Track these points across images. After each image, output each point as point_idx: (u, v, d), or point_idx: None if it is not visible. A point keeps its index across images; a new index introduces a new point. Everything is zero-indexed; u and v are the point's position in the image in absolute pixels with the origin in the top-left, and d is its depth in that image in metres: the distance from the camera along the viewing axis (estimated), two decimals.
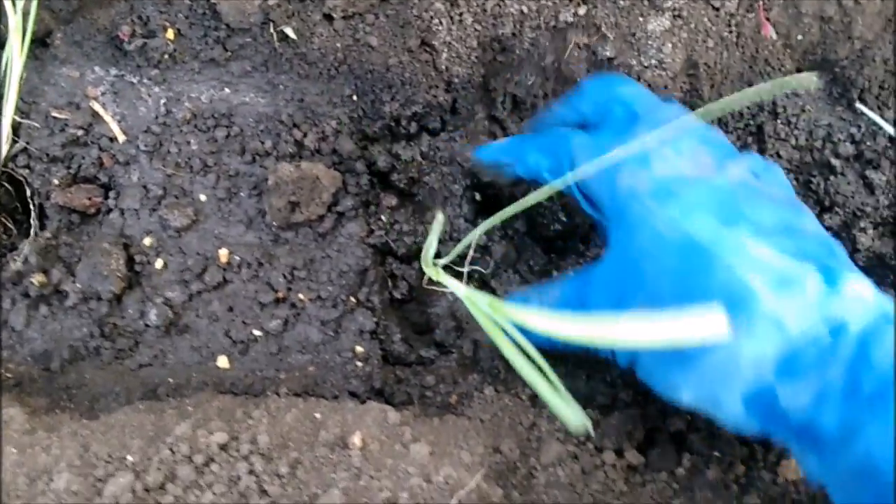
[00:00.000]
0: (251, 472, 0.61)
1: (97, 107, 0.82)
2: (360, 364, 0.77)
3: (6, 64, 0.78)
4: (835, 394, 0.46)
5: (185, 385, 0.74)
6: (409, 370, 0.79)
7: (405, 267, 0.82)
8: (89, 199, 0.85)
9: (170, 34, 0.79)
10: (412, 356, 0.79)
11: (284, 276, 0.79)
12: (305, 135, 0.82)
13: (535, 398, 0.73)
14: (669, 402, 0.55)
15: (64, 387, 0.73)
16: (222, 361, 0.76)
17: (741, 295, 0.47)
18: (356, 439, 0.65)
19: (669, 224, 0.51)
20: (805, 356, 0.47)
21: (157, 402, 0.70)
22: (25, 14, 0.77)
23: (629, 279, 0.53)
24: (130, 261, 0.79)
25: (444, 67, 0.82)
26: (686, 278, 0.50)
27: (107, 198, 0.82)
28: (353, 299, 0.79)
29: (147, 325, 0.76)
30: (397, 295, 0.81)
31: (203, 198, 0.81)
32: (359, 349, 0.77)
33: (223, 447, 0.63)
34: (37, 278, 0.77)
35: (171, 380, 0.74)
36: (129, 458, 0.62)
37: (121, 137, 0.82)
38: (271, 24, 0.78)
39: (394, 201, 0.83)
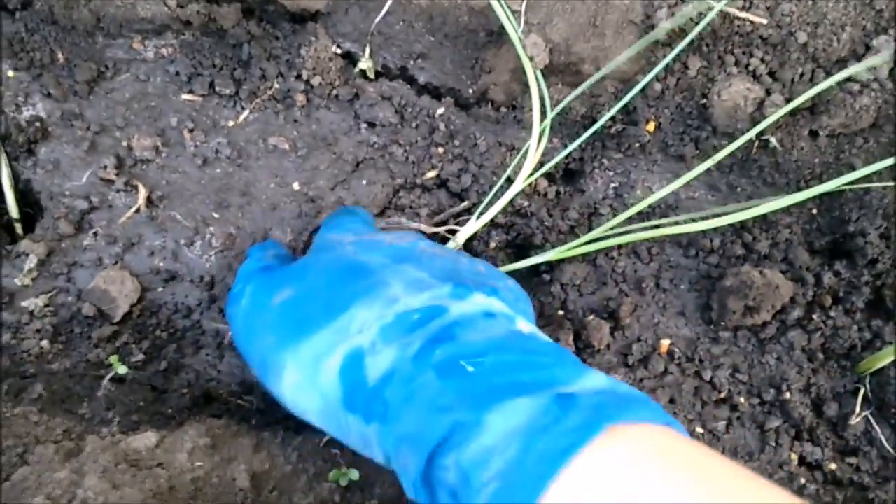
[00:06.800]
0: None
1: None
2: (803, 481, 0.77)
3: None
4: (407, 365, 0.51)
5: None
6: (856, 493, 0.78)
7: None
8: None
9: (650, 126, 0.82)
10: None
11: (727, 377, 0.80)
12: (755, 239, 0.83)
13: None
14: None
15: None
16: None
17: (379, 283, 0.58)
18: None
19: (355, 255, 0.63)
20: (404, 326, 0.53)
21: None
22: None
23: (306, 272, 0.63)
24: (576, 336, 0.82)
25: None
26: (343, 275, 0.60)
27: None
28: (792, 409, 0.79)
29: None
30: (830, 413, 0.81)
31: (645, 285, 0.83)
32: (798, 465, 0.78)
33: None
34: None
35: None
36: None
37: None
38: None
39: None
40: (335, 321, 0.56)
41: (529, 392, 0.45)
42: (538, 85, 0.80)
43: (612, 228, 0.83)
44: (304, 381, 0.56)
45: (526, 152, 0.81)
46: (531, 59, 0.79)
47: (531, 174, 0.81)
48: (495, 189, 0.82)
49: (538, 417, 0.43)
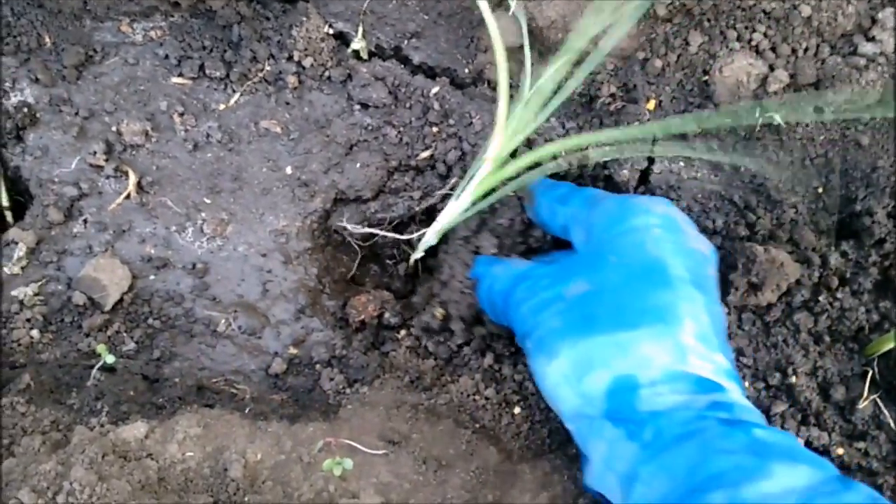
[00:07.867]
0: None
1: None
2: None
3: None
4: (688, 412, 0.55)
5: None
6: None
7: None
8: None
9: (650, 105, 0.80)
10: None
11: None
12: (759, 219, 0.81)
13: None
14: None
15: None
16: None
17: (672, 316, 0.59)
18: None
19: (657, 247, 0.63)
20: (688, 384, 0.57)
21: None
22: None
23: (595, 262, 0.64)
24: None
25: None
26: (639, 279, 0.61)
27: None
28: (798, 394, 0.77)
29: None
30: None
31: None
32: None
33: None
34: None
35: None
36: None
37: None
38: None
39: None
40: (618, 333, 0.59)
41: (810, 463, 0.50)
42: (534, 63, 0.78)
43: None
44: (571, 377, 0.60)
45: None
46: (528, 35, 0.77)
47: None
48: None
49: (819, 485, 0.48)
